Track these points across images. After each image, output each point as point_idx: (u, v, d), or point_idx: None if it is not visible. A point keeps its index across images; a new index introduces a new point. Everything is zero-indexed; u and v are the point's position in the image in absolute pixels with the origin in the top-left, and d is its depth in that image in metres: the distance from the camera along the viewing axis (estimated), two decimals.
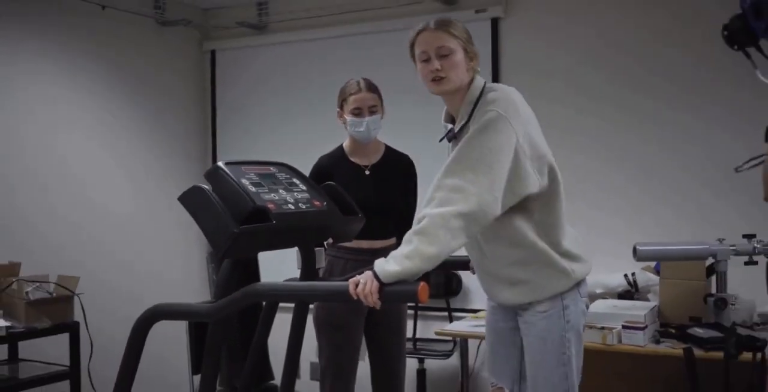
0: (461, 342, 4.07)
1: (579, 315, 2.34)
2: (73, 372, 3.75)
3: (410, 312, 4.40)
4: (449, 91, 2.30)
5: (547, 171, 2.25)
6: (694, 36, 3.90)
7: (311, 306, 2.98)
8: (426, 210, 2.09)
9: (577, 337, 2.32)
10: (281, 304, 2.51)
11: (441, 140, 2.42)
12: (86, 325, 3.77)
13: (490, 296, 2.48)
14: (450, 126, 2.37)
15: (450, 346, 4.36)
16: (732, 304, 3.16)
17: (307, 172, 3.19)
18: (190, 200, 2.08)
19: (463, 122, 2.28)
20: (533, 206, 2.25)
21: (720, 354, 2.93)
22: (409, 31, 2.36)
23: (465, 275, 4.45)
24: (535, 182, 2.20)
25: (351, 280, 2.00)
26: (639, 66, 4.06)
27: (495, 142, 2.12)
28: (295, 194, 2.35)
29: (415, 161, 3.40)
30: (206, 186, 2.11)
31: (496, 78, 4.33)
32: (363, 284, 1.96)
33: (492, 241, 2.32)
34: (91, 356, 3.78)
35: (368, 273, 1.99)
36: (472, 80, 2.32)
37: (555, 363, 2.29)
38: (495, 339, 2.52)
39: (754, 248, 3.10)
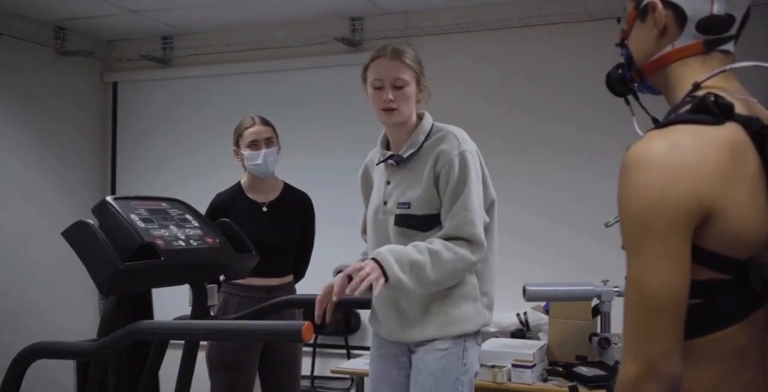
0: (358, 380, 4.06)
1: (475, 360, 2.34)
2: None
3: (308, 349, 4.39)
4: (398, 122, 2.34)
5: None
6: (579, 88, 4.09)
7: (203, 344, 2.93)
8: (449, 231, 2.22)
9: (470, 382, 2.29)
10: (173, 341, 2.46)
11: (378, 163, 2.42)
12: None
13: (393, 332, 2.35)
14: (389, 153, 2.38)
15: (347, 384, 4.35)
16: (615, 343, 3.27)
17: (206, 206, 3.19)
18: (75, 235, 2.03)
19: (412, 150, 2.32)
20: None
21: None
22: (366, 55, 2.40)
23: (364, 313, 4.46)
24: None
25: (352, 268, 2.12)
26: (537, 109, 4.23)
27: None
28: (187, 230, 2.33)
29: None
30: (92, 221, 2.07)
31: None
32: (367, 272, 2.07)
33: None
34: None
35: (374, 265, 2.11)
36: (421, 115, 2.39)
37: None
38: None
39: None
